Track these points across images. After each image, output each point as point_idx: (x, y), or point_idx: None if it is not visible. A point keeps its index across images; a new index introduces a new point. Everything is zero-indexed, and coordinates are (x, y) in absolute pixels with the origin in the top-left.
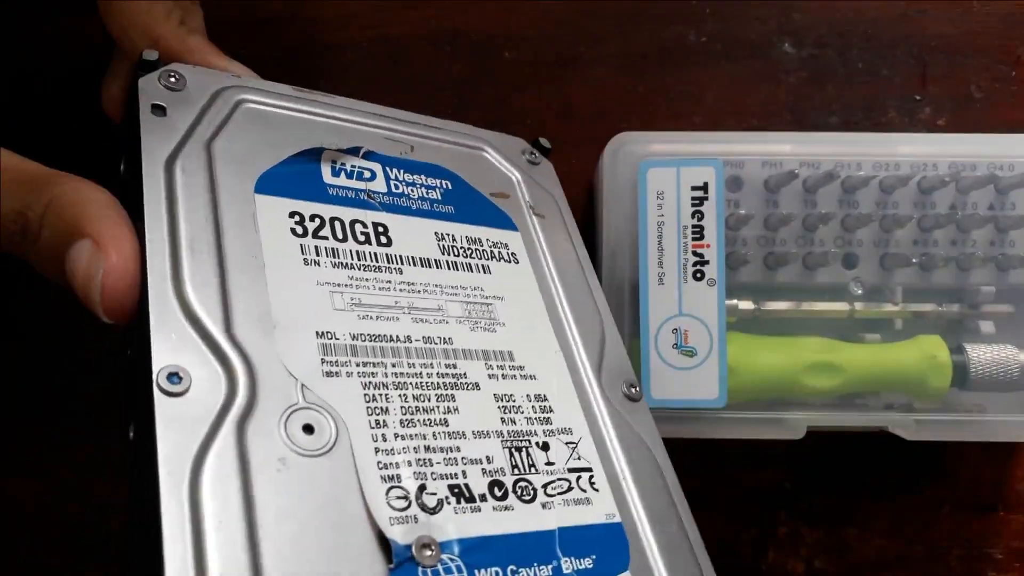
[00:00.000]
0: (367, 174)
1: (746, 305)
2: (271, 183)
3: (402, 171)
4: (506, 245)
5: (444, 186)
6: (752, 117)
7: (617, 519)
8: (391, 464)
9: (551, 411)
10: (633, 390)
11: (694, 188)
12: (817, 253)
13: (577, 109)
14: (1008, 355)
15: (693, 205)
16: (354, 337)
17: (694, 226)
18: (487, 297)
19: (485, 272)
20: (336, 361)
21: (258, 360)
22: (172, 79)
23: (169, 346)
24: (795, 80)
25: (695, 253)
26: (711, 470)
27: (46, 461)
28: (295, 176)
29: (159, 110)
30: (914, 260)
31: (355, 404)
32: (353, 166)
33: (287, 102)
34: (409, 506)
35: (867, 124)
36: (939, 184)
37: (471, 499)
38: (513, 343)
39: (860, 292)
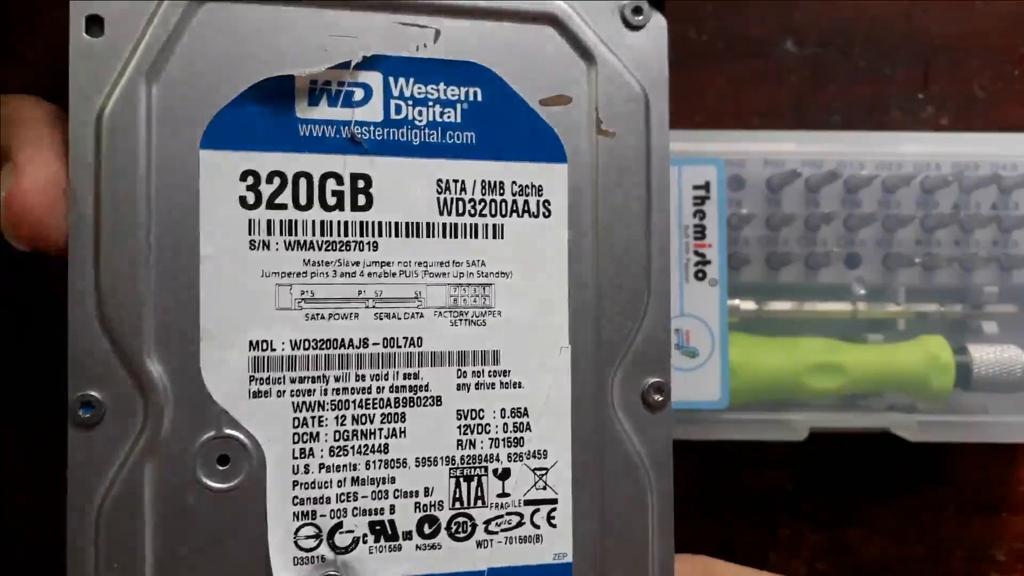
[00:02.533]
0: (358, 94)
1: (748, 305)
2: (223, 130)
3: (412, 82)
4: (539, 189)
5: (471, 97)
6: (754, 116)
7: (568, 558)
8: (308, 499)
9: (527, 429)
10: (658, 396)
11: (695, 187)
12: (819, 253)
13: None
14: (1011, 356)
15: (694, 204)
16: (294, 346)
17: (695, 226)
18: (487, 275)
19: (496, 236)
20: (267, 378)
21: (177, 384)
22: None
23: (85, 371)
24: (797, 79)
25: (697, 253)
26: (712, 472)
27: (44, 462)
28: (258, 114)
29: (94, 26)
30: (917, 260)
31: (281, 431)
32: (340, 85)
33: None
34: (319, 545)
35: (869, 123)
36: (942, 184)
37: (392, 537)
38: (504, 339)
39: (863, 292)
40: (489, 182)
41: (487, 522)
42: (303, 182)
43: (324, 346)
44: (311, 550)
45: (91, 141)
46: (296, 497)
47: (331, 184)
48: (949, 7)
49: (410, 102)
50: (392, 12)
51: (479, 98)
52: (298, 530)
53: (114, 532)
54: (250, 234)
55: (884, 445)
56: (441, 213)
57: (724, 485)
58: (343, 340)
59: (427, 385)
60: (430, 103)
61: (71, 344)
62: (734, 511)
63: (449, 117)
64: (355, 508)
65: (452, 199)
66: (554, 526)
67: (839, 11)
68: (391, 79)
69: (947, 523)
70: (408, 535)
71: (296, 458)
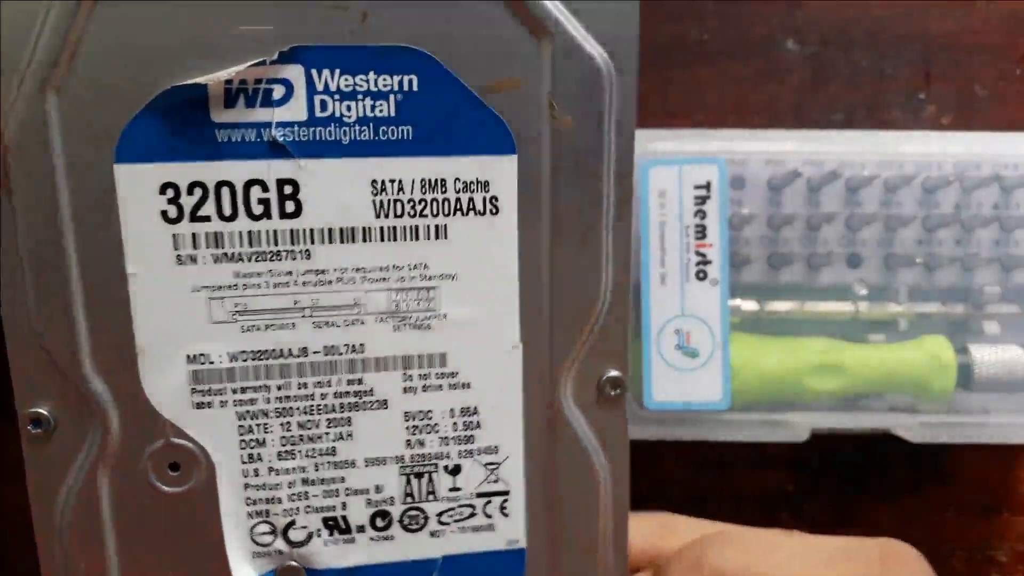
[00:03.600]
0: (278, 92)
1: (749, 305)
2: (136, 142)
3: (337, 73)
4: (485, 185)
5: (406, 86)
6: (755, 115)
7: (521, 545)
8: (260, 499)
9: (477, 427)
10: (614, 390)
11: (696, 187)
12: (821, 253)
13: None
14: (1013, 356)
15: (696, 204)
16: (232, 358)
17: (696, 225)
18: (431, 278)
19: (439, 237)
20: (209, 390)
21: (120, 398)
22: None
23: (29, 388)
24: (798, 78)
25: (698, 253)
26: (713, 472)
27: None
28: (171, 122)
29: None
30: (918, 260)
31: (227, 438)
32: (258, 83)
33: None
34: (274, 540)
35: (871, 123)
36: (943, 183)
37: (346, 531)
38: (451, 342)
39: (864, 292)
40: (430, 180)
41: (440, 514)
42: (226, 191)
43: (263, 357)
44: (267, 545)
45: None
46: (248, 498)
47: (256, 192)
48: (950, 6)
49: (337, 96)
50: None
51: (415, 87)
52: (253, 527)
53: (77, 536)
54: (176, 249)
55: (885, 446)
56: (378, 216)
57: (725, 485)
58: (282, 350)
59: (372, 390)
60: (359, 96)
61: (12, 364)
62: (735, 512)
63: (382, 111)
64: (307, 506)
65: (389, 200)
66: (507, 515)
67: (840, 10)
68: (314, 72)
69: (948, 524)
70: (361, 528)
71: (245, 463)
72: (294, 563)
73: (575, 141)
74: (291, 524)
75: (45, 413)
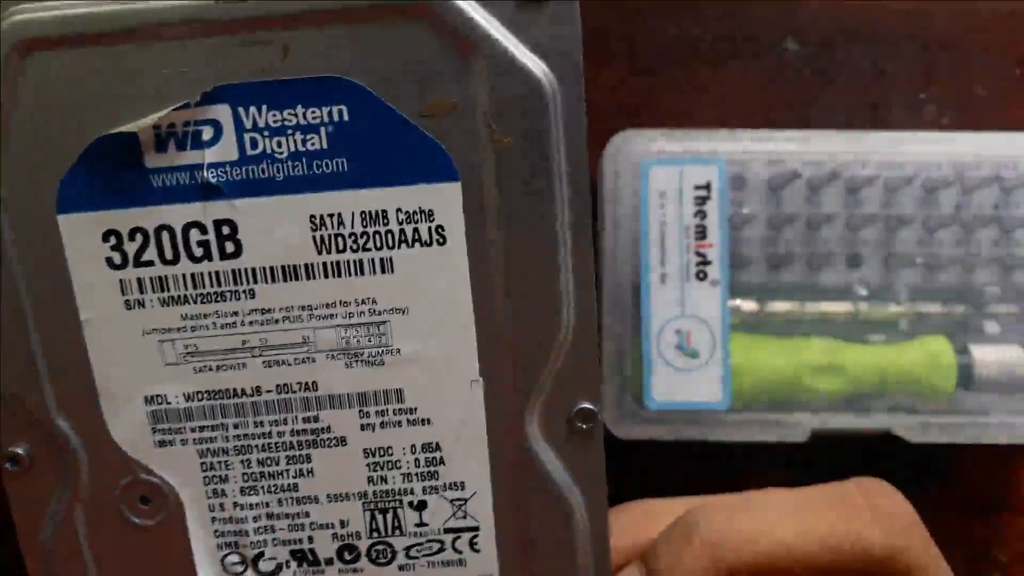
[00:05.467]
0: (207, 133)
1: (749, 306)
2: (76, 191)
3: (265, 109)
4: (430, 214)
5: (336, 117)
6: (755, 115)
7: None
8: (228, 532)
9: (440, 463)
10: (584, 424)
11: (696, 187)
12: (821, 253)
13: None
14: (1013, 356)
15: (695, 204)
16: (188, 398)
17: (696, 226)
18: (380, 312)
19: (385, 271)
20: (169, 429)
21: (87, 437)
22: None
23: (6, 429)
24: (799, 78)
25: (698, 253)
26: (713, 473)
27: None
28: (106, 171)
29: None
30: (918, 260)
31: (191, 474)
32: (186, 125)
33: (83, 24)
34: (244, 571)
35: (871, 123)
36: (943, 184)
37: (315, 563)
38: (407, 377)
39: (864, 293)
40: (370, 212)
41: (407, 548)
42: (166, 236)
43: (217, 396)
44: (238, 574)
45: None
46: (216, 530)
47: (195, 234)
48: (951, 6)
49: (266, 133)
50: (229, 33)
51: (345, 117)
52: (224, 557)
53: (62, 563)
54: (123, 294)
55: (885, 446)
56: (319, 252)
57: (724, 486)
58: (234, 390)
59: (329, 427)
60: (289, 131)
61: None
62: None
63: (313, 144)
64: (274, 539)
65: (330, 235)
66: (477, 551)
67: (841, 10)
68: (241, 110)
69: (949, 524)
70: (330, 561)
71: (210, 497)
72: None
73: (521, 162)
74: (260, 555)
75: (21, 452)
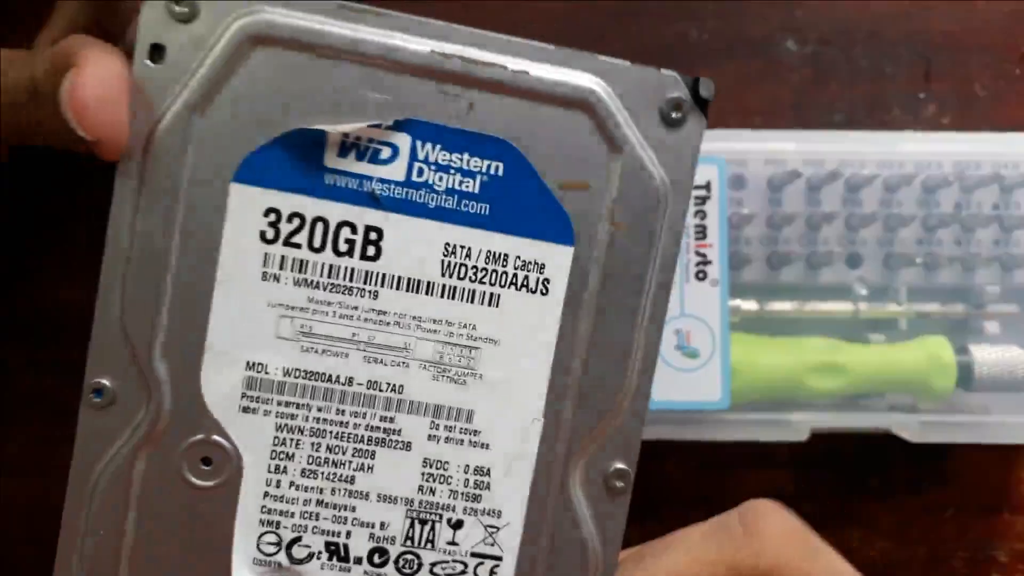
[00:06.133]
0: (385, 153)
1: (749, 305)
2: (256, 168)
3: (438, 148)
4: (542, 267)
5: (492, 170)
6: (755, 115)
7: None
8: (275, 511)
9: (486, 488)
10: (619, 483)
11: (696, 187)
12: (821, 252)
13: None
14: (1013, 356)
15: (695, 204)
16: (286, 373)
17: (696, 225)
18: (476, 339)
19: (491, 304)
20: (258, 397)
21: (177, 388)
22: (182, 4)
23: (100, 361)
24: (798, 78)
25: (698, 253)
26: (713, 472)
27: (44, 460)
28: (289, 158)
29: (157, 53)
30: (918, 260)
31: (261, 445)
32: (370, 142)
33: (316, 36)
34: (277, 552)
35: (871, 122)
36: (943, 183)
37: (344, 559)
38: (480, 401)
39: (864, 292)
40: (494, 253)
41: (433, 564)
42: (320, 226)
43: (313, 378)
44: (270, 555)
45: (138, 159)
46: (264, 507)
47: (345, 232)
48: (950, 6)
49: (433, 167)
50: (434, 80)
51: (500, 172)
52: (261, 535)
53: (103, 504)
54: (264, 266)
55: (885, 445)
56: (443, 275)
57: (725, 486)
58: (331, 375)
59: (400, 430)
60: (452, 171)
61: (93, 337)
62: None
63: (467, 187)
64: (315, 527)
65: (456, 264)
66: None
67: (840, 10)
68: (418, 143)
69: (948, 524)
70: (359, 560)
71: (271, 472)
72: None
73: (627, 247)
74: (296, 540)
75: (108, 385)
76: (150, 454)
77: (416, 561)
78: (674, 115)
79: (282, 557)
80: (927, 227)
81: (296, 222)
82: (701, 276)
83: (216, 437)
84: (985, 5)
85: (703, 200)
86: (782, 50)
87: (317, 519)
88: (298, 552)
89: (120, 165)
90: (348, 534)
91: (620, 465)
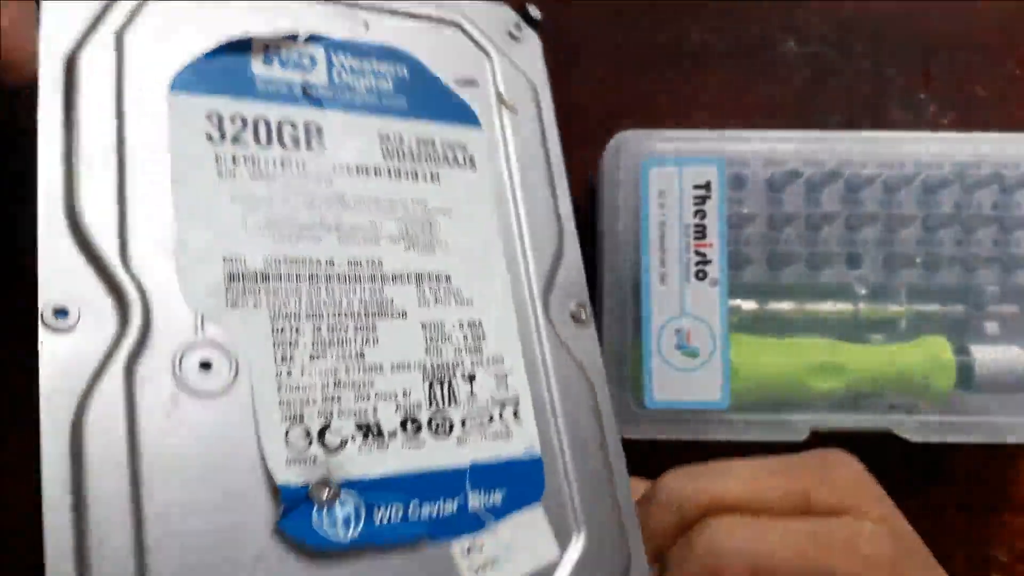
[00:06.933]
0: (306, 62)
1: (749, 305)
2: (190, 79)
3: (349, 56)
4: (463, 147)
5: (398, 73)
6: (755, 115)
7: (536, 451)
8: (295, 402)
9: (484, 339)
10: (582, 312)
11: (696, 187)
12: (821, 253)
13: (578, 108)
14: (1013, 356)
15: (695, 204)
16: (267, 262)
17: (696, 225)
18: (430, 211)
19: (433, 181)
20: (243, 289)
21: (154, 291)
22: None
23: (57, 276)
24: (798, 78)
25: (698, 253)
26: None
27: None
28: (219, 69)
29: None
30: (918, 260)
31: (260, 338)
32: (289, 53)
33: None
34: (310, 445)
35: (871, 123)
36: (943, 183)
37: (379, 436)
38: (452, 264)
39: (864, 292)
40: (423, 138)
41: (463, 420)
42: (263, 125)
43: (295, 263)
44: (304, 450)
45: (60, 81)
46: (283, 400)
47: (288, 129)
48: (950, 6)
49: (349, 71)
50: (331, 3)
51: (405, 74)
52: (288, 431)
53: (97, 437)
54: (217, 164)
55: (885, 445)
56: (385, 159)
57: None
58: (312, 259)
59: (392, 300)
60: (366, 73)
61: (42, 250)
62: None
63: (383, 85)
64: (340, 410)
65: (394, 148)
66: (520, 422)
67: (840, 11)
68: (332, 53)
69: (949, 523)
70: (393, 434)
71: (278, 363)
72: (326, 474)
73: (520, 126)
74: (326, 427)
75: (70, 303)
76: (139, 373)
77: (447, 421)
78: (518, 32)
79: (316, 449)
80: (927, 227)
81: (239, 123)
82: (701, 276)
83: (208, 336)
84: (985, 5)
85: (703, 200)
86: (782, 50)
87: (339, 401)
88: (331, 440)
89: (41, 88)
90: (375, 410)
91: (578, 300)
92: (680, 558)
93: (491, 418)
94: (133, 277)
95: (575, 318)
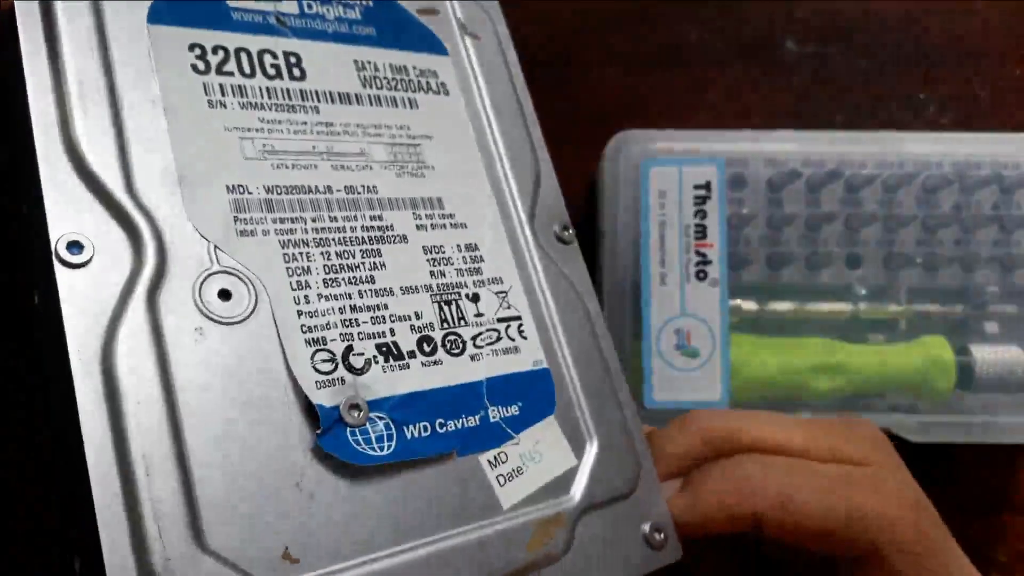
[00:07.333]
0: None
1: (749, 305)
2: (166, 11)
3: None
4: (435, 73)
5: (364, 3)
6: (755, 116)
7: (544, 365)
8: (316, 327)
9: (481, 260)
10: (566, 232)
11: (696, 187)
12: (820, 253)
13: (578, 108)
14: (1013, 356)
15: (695, 204)
16: (268, 190)
17: (696, 225)
18: (414, 136)
19: (412, 107)
20: (250, 218)
21: (164, 221)
22: None
23: (66, 210)
24: (798, 79)
25: (698, 253)
26: None
27: (45, 460)
28: (193, 1)
29: None
30: (918, 260)
31: (274, 265)
32: None
33: None
34: (336, 368)
35: (871, 123)
36: (943, 184)
37: (399, 356)
38: (443, 189)
39: (864, 292)
40: (396, 65)
41: (473, 338)
42: (244, 55)
43: (295, 191)
44: (329, 373)
45: (38, 14)
46: (304, 325)
47: (268, 58)
48: (950, 8)
49: (319, 1)
50: None
51: (371, 3)
52: (313, 355)
53: (129, 370)
54: (206, 95)
55: None
56: (364, 87)
57: None
58: (311, 186)
59: (392, 225)
60: (334, 3)
61: (46, 187)
62: None
63: (352, 15)
64: (360, 333)
65: (370, 76)
66: (525, 338)
67: (840, 11)
68: None
69: (948, 524)
70: (412, 354)
71: (295, 290)
72: (355, 395)
73: (484, 53)
74: (349, 350)
75: (83, 236)
76: (161, 302)
77: (459, 340)
78: None
79: (342, 372)
80: (927, 227)
81: (221, 54)
82: (701, 276)
83: (224, 266)
84: (985, 6)
85: (703, 200)
86: (782, 51)
87: (358, 324)
88: (356, 361)
89: (21, 21)
90: (392, 331)
91: (561, 221)
92: (709, 479)
93: (499, 335)
94: (142, 209)
95: (560, 239)
